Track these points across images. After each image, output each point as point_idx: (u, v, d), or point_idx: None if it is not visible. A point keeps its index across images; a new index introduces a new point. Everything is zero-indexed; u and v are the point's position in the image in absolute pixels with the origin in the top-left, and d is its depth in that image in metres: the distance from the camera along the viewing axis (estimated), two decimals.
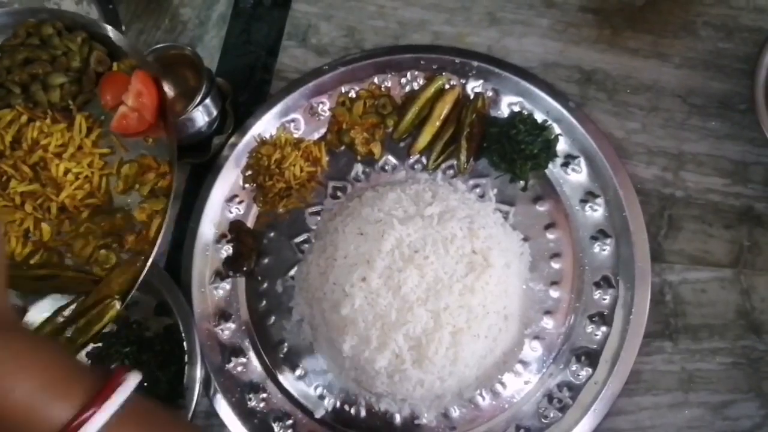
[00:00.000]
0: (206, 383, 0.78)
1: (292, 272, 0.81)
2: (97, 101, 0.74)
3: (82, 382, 0.47)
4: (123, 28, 0.87)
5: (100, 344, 0.82)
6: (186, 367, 0.76)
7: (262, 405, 0.77)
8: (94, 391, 0.47)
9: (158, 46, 0.82)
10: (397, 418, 0.75)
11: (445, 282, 0.70)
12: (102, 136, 0.73)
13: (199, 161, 0.86)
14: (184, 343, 0.77)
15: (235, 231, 0.81)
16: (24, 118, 0.72)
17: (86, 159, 0.71)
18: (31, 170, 0.71)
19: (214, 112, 0.83)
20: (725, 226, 0.76)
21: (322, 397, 0.77)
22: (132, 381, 0.48)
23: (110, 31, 0.76)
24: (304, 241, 0.82)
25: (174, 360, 0.79)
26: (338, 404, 0.76)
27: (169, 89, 0.87)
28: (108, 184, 0.72)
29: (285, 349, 0.79)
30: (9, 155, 0.71)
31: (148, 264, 0.67)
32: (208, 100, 0.82)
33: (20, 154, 0.71)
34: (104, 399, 0.46)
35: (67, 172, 0.70)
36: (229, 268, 0.81)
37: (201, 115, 0.82)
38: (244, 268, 0.81)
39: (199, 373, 0.76)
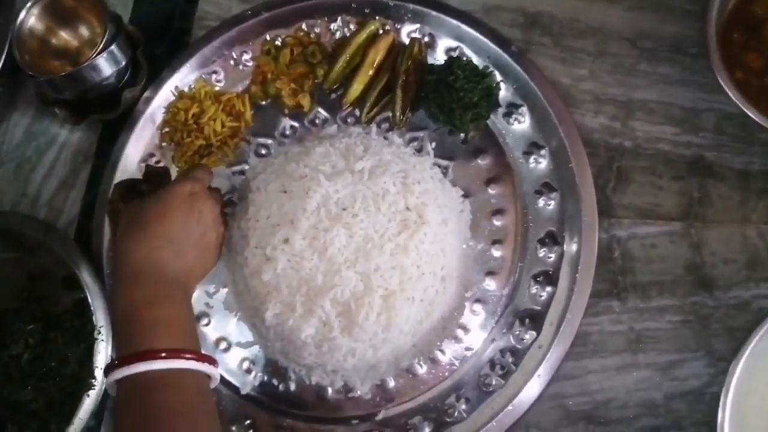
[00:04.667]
0: None
1: None
2: None
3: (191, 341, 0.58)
4: None
5: None
6: (96, 344, 0.70)
7: None
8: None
9: None
10: (330, 392, 0.69)
11: (376, 241, 0.64)
12: None
13: (109, 117, 0.78)
14: (94, 318, 0.70)
15: (156, 179, 0.71)
16: None
17: None
18: None
19: (123, 61, 0.75)
20: (675, 177, 0.72)
21: (248, 372, 0.71)
22: (215, 372, 0.58)
23: None
24: (227, 203, 0.74)
25: (84, 337, 0.72)
26: (266, 378, 0.70)
27: (71, 38, 0.78)
28: None
29: (207, 321, 0.72)
30: None
31: None
32: (114, 47, 0.73)
33: None
34: (198, 358, 0.56)
35: None
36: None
37: (106, 64, 0.73)
38: None
39: (111, 350, 0.69)
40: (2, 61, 0.72)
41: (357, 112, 0.76)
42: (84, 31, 0.78)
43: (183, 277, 0.60)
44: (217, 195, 0.68)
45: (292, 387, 0.70)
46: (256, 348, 0.71)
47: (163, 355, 0.54)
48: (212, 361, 0.57)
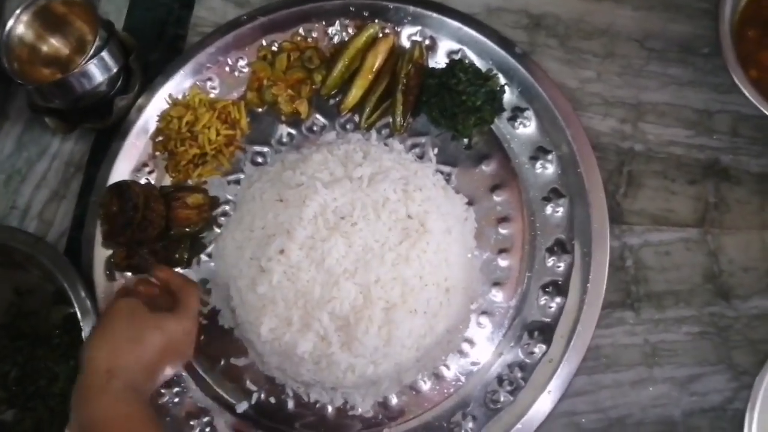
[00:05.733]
0: None
1: (209, 249, 0.71)
2: None
3: None
4: None
5: None
6: None
7: (176, 401, 0.68)
8: None
9: None
10: (329, 409, 0.66)
11: (376, 251, 0.61)
12: None
13: (101, 126, 0.75)
14: (83, 334, 0.68)
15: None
16: None
17: None
18: None
19: (115, 68, 0.73)
20: (689, 181, 0.69)
21: (244, 389, 0.67)
22: None
23: None
24: (223, 214, 0.72)
25: (74, 353, 0.69)
26: (263, 396, 0.67)
27: (62, 45, 0.76)
28: None
29: (203, 337, 0.69)
30: None
31: None
32: (105, 54, 0.71)
33: None
34: None
35: None
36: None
37: (97, 71, 0.71)
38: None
39: None
40: None
41: (356, 118, 0.73)
42: (75, 39, 0.76)
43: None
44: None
45: (290, 405, 0.67)
46: (253, 364, 0.67)
47: None
48: None
